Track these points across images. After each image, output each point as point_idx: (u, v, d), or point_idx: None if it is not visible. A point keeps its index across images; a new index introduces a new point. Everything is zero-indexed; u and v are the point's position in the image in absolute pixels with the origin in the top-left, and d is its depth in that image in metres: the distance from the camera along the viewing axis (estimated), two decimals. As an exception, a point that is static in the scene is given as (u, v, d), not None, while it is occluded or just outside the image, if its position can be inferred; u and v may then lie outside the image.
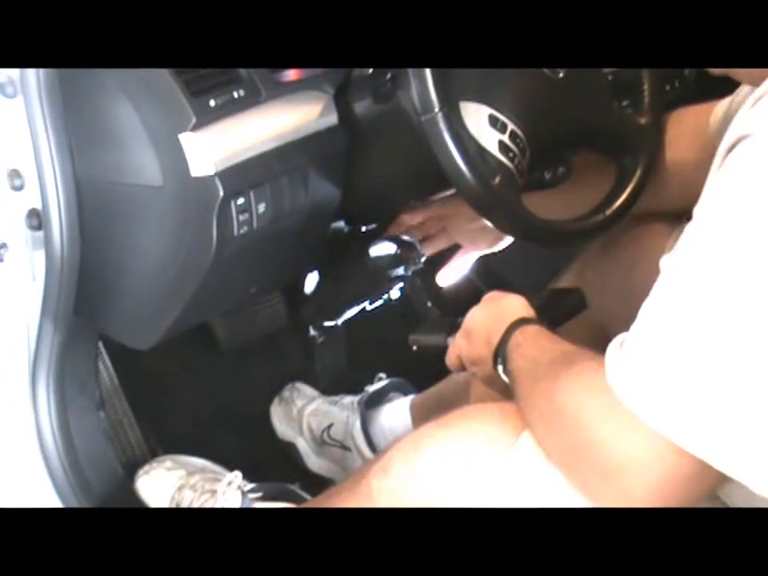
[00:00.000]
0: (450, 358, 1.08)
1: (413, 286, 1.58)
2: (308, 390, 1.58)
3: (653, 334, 0.72)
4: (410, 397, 1.46)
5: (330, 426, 1.48)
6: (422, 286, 1.56)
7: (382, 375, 1.51)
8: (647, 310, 0.73)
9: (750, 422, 0.68)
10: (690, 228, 0.72)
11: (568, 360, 0.83)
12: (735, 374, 0.67)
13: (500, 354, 0.96)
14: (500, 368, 0.96)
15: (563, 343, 0.89)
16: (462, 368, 1.07)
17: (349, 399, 1.50)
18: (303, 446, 1.52)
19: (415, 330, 1.19)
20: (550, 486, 0.83)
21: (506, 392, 0.97)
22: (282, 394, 1.58)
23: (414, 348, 1.18)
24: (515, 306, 1.00)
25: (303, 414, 1.52)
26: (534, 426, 0.84)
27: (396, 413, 1.44)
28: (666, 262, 0.73)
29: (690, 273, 0.70)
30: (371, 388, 1.49)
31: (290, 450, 1.53)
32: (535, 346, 0.92)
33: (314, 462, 1.51)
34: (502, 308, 1.00)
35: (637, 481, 0.73)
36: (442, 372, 1.26)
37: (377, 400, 1.48)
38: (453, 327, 1.08)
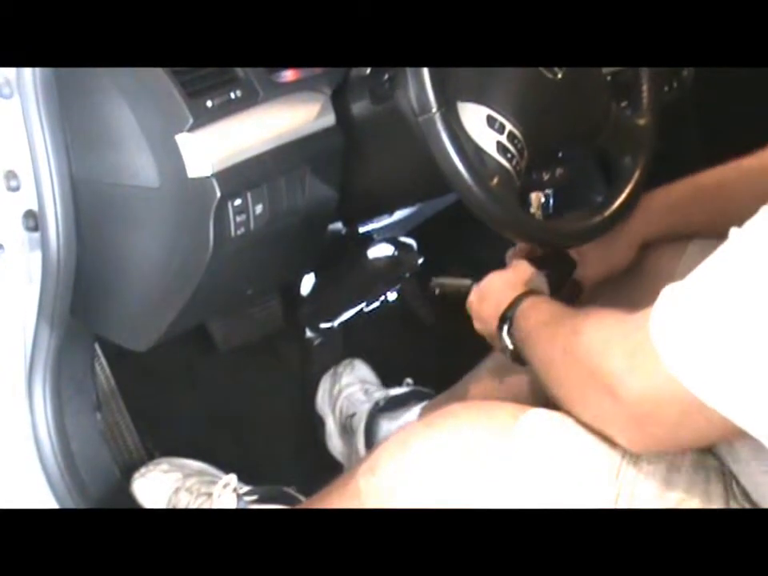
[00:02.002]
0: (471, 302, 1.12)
1: (410, 288, 1.58)
2: (362, 371, 1.57)
3: (708, 288, 0.72)
4: (424, 403, 1.43)
5: (353, 415, 1.48)
6: (418, 287, 1.56)
7: (410, 381, 1.51)
8: (707, 267, 0.73)
9: None
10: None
11: (596, 308, 0.88)
12: None
13: (507, 316, 1.01)
14: (504, 328, 1.01)
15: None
16: None
17: (380, 394, 1.49)
18: (331, 425, 1.52)
19: (438, 276, 1.24)
20: (545, 480, 0.84)
21: (501, 353, 1.04)
22: (337, 367, 1.57)
23: (436, 292, 1.23)
24: (531, 278, 1.06)
25: (341, 395, 1.52)
26: (553, 360, 0.88)
27: (406, 420, 1.43)
28: (734, 232, 0.74)
29: (757, 247, 0.70)
30: (392, 392, 1.48)
31: (317, 425, 1.54)
32: (550, 307, 0.98)
33: (335, 443, 1.51)
34: (517, 278, 1.06)
35: (650, 413, 0.77)
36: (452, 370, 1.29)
37: (394, 405, 1.46)
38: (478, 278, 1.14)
